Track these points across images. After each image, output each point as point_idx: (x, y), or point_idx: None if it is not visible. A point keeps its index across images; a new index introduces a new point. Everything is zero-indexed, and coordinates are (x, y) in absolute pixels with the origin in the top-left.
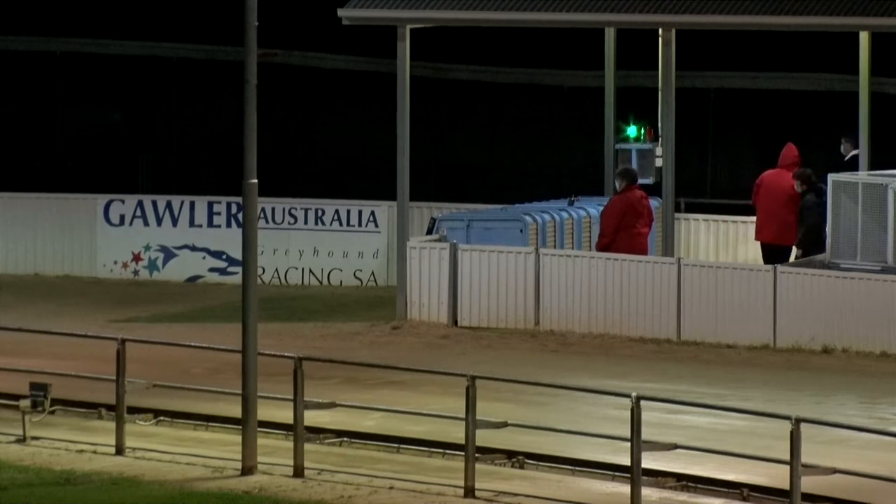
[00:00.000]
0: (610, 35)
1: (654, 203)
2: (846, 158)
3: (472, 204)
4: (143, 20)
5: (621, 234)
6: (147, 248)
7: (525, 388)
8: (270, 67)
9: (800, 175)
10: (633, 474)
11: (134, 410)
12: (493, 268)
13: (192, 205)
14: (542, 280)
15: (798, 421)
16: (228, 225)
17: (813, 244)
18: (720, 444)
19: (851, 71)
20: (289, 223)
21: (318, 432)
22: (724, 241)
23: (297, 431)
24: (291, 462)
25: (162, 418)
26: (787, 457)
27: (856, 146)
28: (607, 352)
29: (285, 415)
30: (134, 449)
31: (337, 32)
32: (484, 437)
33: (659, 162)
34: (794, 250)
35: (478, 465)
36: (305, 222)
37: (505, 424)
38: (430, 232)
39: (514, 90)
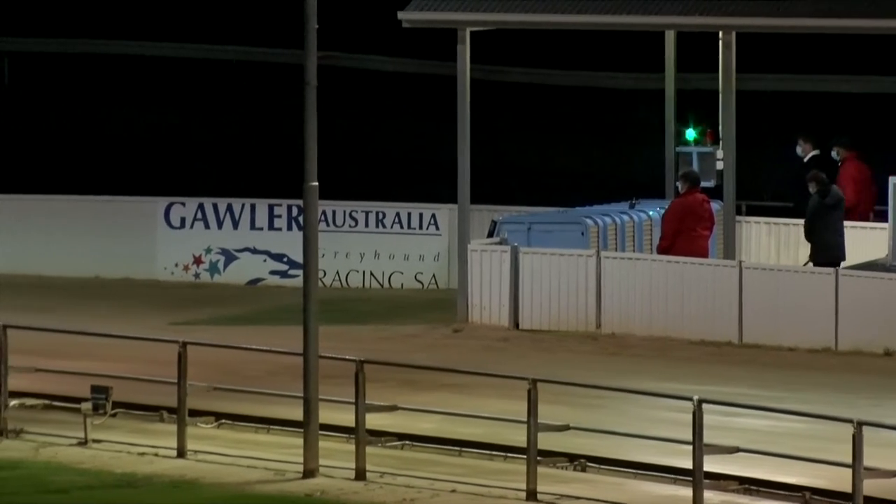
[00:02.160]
0: (670, 38)
1: (715, 206)
2: (805, 160)
3: (533, 207)
4: (202, 23)
5: (681, 238)
6: (208, 250)
7: (580, 391)
8: (330, 70)
9: (811, 177)
10: (695, 477)
11: (194, 413)
12: (553, 270)
13: (253, 207)
14: (603, 283)
15: (860, 424)
16: (289, 228)
17: (811, 242)
18: (778, 446)
19: None
20: (349, 226)
21: (378, 435)
22: (785, 244)
23: (359, 434)
24: (352, 465)
25: (223, 421)
26: (845, 459)
27: (815, 147)
28: (666, 354)
29: (343, 417)
30: (195, 451)
31: (392, 35)
32: (543, 440)
33: (720, 165)
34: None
35: (538, 468)
36: (366, 225)
37: (567, 427)
38: (490, 234)
39: (568, 92)
